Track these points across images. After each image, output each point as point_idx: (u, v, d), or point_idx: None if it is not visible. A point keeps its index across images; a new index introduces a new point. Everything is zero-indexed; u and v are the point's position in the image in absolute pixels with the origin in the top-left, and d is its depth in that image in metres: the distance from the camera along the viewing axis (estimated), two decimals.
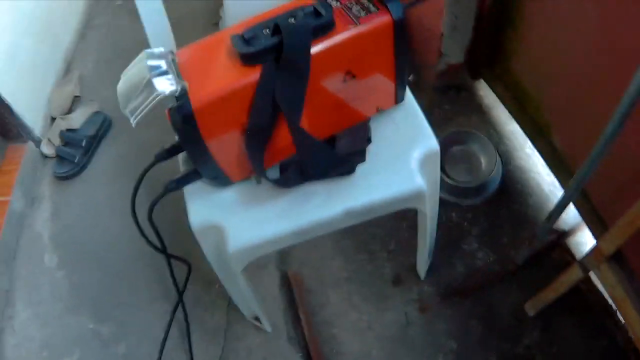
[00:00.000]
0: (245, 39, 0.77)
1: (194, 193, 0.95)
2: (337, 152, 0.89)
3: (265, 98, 0.76)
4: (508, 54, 1.47)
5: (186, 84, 0.77)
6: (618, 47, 1.04)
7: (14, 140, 1.83)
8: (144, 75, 0.80)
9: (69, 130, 1.86)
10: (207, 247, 0.98)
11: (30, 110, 1.84)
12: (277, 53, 0.75)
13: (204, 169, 0.88)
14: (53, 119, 1.94)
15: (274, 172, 0.91)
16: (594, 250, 1.02)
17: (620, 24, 1.01)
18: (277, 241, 0.90)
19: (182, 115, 0.76)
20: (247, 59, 0.76)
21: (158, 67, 0.80)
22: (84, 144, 1.80)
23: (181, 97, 0.77)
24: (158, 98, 0.77)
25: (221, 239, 0.91)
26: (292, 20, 0.79)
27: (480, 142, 1.53)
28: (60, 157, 1.82)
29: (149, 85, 0.78)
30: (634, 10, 0.95)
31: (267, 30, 0.78)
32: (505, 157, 1.56)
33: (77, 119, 1.89)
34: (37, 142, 1.87)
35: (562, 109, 1.33)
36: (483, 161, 1.53)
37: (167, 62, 0.80)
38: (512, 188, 1.50)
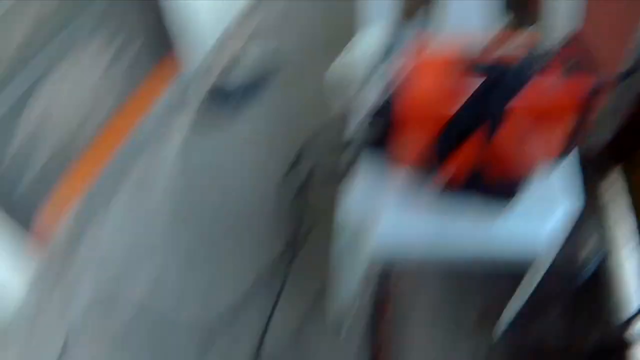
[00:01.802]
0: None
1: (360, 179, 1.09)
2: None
3: (475, 108, 0.88)
4: None
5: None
6: None
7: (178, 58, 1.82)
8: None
9: (234, 69, 1.82)
10: (346, 232, 1.11)
11: (205, 33, 1.84)
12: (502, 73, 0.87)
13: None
14: (222, 53, 1.92)
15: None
16: None
17: None
18: (419, 246, 1.03)
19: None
20: (474, 68, 0.89)
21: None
22: (241, 90, 1.78)
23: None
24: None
25: (365, 229, 1.04)
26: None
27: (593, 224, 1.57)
28: (214, 94, 1.80)
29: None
30: None
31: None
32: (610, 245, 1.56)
33: (246, 59, 1.84)
34: (199, 69, 1.85)
35: None
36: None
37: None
38: (605, 279, 1.52)
